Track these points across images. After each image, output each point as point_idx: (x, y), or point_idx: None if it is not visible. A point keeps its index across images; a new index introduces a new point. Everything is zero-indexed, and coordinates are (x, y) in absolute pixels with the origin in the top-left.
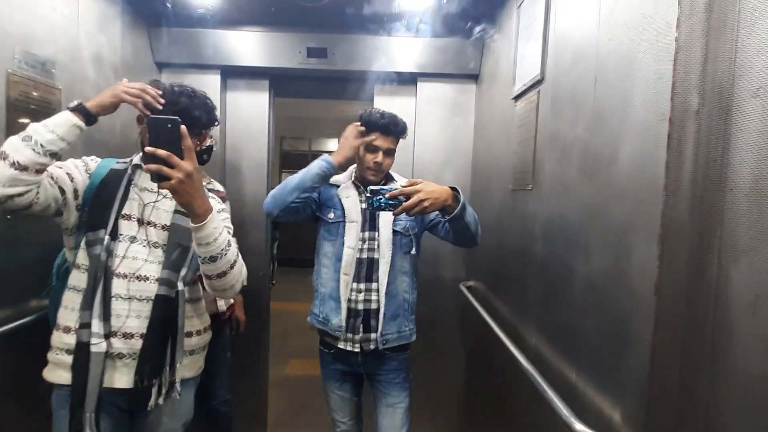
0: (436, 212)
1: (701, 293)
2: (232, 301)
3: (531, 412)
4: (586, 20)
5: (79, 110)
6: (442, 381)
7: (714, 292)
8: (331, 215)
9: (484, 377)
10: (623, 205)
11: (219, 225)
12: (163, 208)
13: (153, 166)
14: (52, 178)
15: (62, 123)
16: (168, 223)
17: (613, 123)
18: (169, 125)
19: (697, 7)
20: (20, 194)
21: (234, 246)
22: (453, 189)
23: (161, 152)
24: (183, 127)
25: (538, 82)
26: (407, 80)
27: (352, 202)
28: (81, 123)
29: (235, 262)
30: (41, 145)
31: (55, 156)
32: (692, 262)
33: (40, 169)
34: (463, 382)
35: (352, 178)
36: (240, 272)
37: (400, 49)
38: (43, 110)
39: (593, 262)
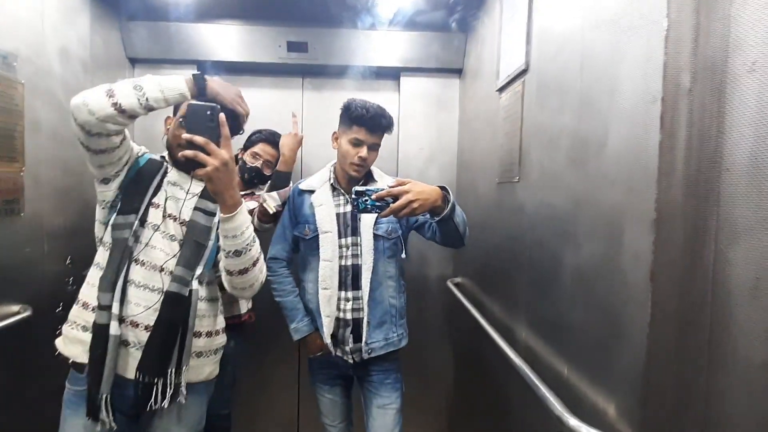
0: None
1: (699, 278)
2: (249, 306)
3: (523, 408)
4: (570, 5)
5: (196, 80)
6: (431, 379)
7: (712, 276)
8: (307, 231)
9: (473, 374)
10: (614, 191)
11: (247, 219)
12: (186, 202)
13: (189, 153)
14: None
15: (173, 88)
16: (187, 219)
17: (601, 108)
18: (208, 112)
19: None
20: (115, 132)
21: (258, 243)
22: (442, 188)
23: (199, 139)
24: (222, 115)
25: (522, 72)
26: (390, 75)
27: (325, 211)
28: (188, 94)
29: (257, 259)
30: (146, 99)
31: (151, 110)
32: (688, 247)
33: (133, 116)
34: (452, 380)
35: (330, 180)
36: (261, 271)
37: (383, 44)
38: (4, 105)
39: (584, 253)
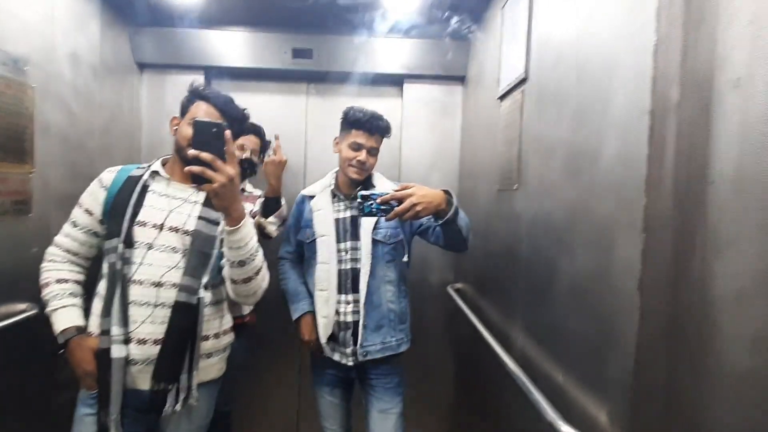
0: (428, 217)
1: (685, 288)
2: (251, 307)
3: (518, 414)
4: (567, 18)
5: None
6: (430, 384)
7: (698, 286)
8: (307, 235)
9: (472, 379)
10: (607, 201)
11: (251, 230)
12: (185, 212)
13: (196, 169)
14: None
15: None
16: (191, 229)
17: (595, 120)
18: (214, 129)
19: None
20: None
21: (261, 253)
22: (446, 192)
23: (206, 156)
24: (228, 131)
25: (522, 81)
26: (394, 81)
27: (323, 216)
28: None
29: (260, 268)
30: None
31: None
32: (675, 257)
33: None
34: (451, 385)
35: (331, 186)
36: (264, 279)
37: (387, 51)
38: (16, 109)
39: (578, 261)
